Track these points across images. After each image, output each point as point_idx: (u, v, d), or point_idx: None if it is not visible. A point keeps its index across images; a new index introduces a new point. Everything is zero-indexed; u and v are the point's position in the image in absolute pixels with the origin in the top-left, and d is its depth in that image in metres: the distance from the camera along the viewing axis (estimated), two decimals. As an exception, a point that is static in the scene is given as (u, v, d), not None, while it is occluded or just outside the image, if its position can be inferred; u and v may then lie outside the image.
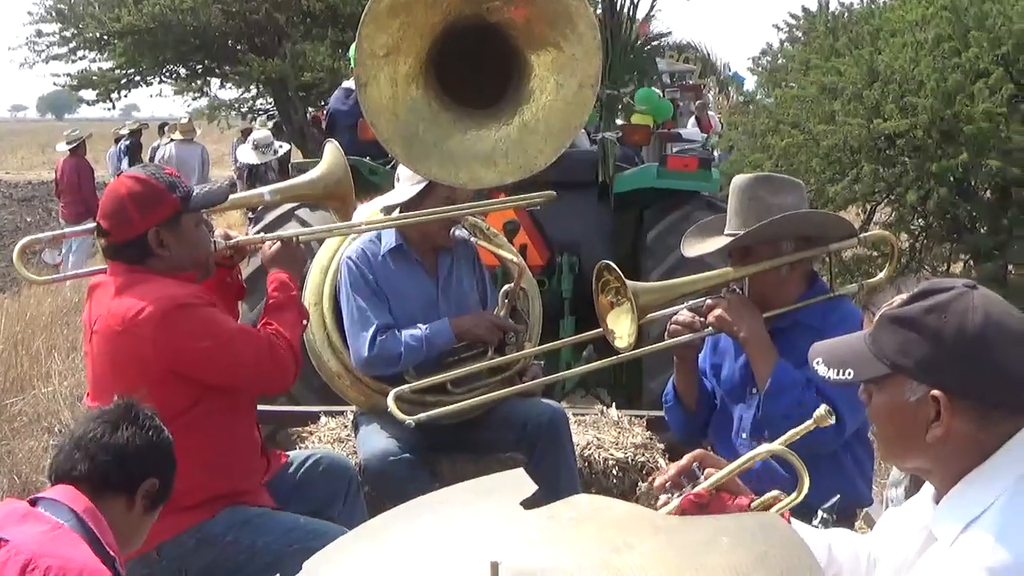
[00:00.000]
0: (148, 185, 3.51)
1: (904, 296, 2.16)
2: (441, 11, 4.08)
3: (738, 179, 3.74)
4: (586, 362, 6.31)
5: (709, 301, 3.61)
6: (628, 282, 3.53)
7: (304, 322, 3.84)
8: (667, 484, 2.57)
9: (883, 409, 2.14)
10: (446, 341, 4.15)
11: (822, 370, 2.20)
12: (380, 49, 4.07)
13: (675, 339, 3.62)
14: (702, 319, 3.58)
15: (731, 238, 3.58)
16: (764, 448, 2.60)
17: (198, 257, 3.58)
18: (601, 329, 3.67)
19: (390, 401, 3.69)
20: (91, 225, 3.68)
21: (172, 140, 18.25)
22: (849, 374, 2.15)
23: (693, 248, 3.73)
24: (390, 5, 4.03)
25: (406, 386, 3.95)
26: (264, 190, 4.40)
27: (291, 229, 4.75)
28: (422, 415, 3.66)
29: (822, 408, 2.33)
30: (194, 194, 3.62)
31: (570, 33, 4.13)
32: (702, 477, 2.58)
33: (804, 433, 2.56)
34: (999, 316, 2.05)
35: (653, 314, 3.63)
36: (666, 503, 2.52)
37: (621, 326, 3.58)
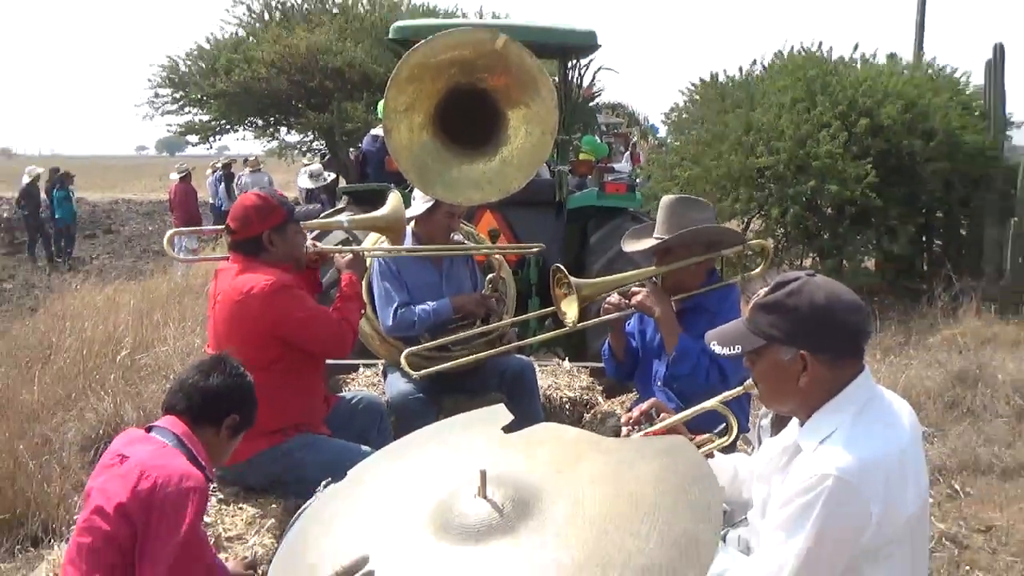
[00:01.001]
0: (266, 201, 3.56)
1: (765, 288, 2.21)
2: (445, 80, 4.07)
3: (665, 198, 3.75)
4: (547, 331, 6.32)
5: (634, 288, 3.64)
6: (573, 280, 3.59)
7: (361, 310, 3.85)
8: (631, 421, 2.63)
9: (765, 370, 2.19)
10: (447, 313, 4.15)
11: (717, 349, 2.24)
12: (401, 106, 4.05)
13: (606, 316, 3.66)
14: (626, 301, 3.61)
15: (658, 240, 3.60)
16: (708, 403, 2.65)
17: (295, 255, 3.59)
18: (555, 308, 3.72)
19: (402, 359, 3.77)
20: (221, 227, 3.71)
21: (245, 172, 18.25)
22: (737, 349, 2.20)
23: (629, 246, 3.78)
24: (407, 76, 4.01)
25: (418, 347, 3.99)
26: (342, 218, 4.46)
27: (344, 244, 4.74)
28: (425, 371, 3.77)
29: (750, 380, 2.33)
30: (295, 211, 3.69)
31: (535, 96, 4.12)
32: (657, 420, 2.62)
33: (735, 396, 2.62)
34: (835, 291, 2.13)
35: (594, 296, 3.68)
36: (627, 435, 2.56)
37: (570, 310, 3.62)
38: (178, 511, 2.37)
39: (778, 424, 2.45)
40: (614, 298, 3.66)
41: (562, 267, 3.69)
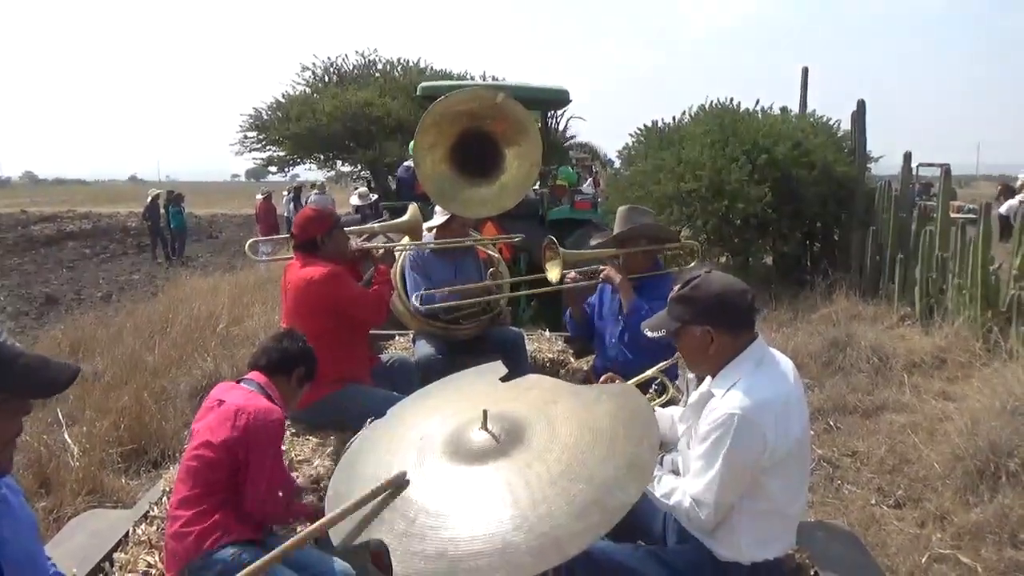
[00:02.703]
0: (318, 212, 3.61)
1: (677, 285, 2.22)
2: (459, 125, 4.06)
3: (620, 208, 3.88)
4: (532, 310, 6.36)
5: (602, 266, 3.72)
6: (561, 248, 3.77)
7: (391, 291, 3.83)
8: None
9: (685, 345, 2.20)
10: (458, 296, 4.14)
11: (649, 333, 2.27)
12: (426, 145, 4.04)
13: (567, 285, 3.74)
14: (582, 278, 3.70)
15: (616, 234, 3.72)
16: (650, 372, 2.71)
17: (342, 252, 3.57)
18: (537, 275, 3.92)
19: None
20: (285, 235, 3.70)
21: (312, 193, 18.20)
22: (663, 332, 2.22)
23: (595, 240, 3.96)
24: (431, 123, 4.00)
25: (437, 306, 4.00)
26: (375, 224, 4.50)
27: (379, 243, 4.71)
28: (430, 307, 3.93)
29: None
30: (340, 219, 3.69)
31: (526, 137, 4.11)
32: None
33: (667, 365, 2.66)
34: (726, 281, 2.15)
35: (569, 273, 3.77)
36: None
37: (553, 272, 3.79)
38: (267, 435, 2.38)
39: (700, 378, 2.46)
40: (572, 275, 3.73)
41: (554, 238, 3.83)
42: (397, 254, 4.15)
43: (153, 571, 2.45)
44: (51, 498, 4.04)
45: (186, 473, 2.40)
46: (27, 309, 11.02)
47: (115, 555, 2.53)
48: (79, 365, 1.32)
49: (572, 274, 3.74)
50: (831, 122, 11.25)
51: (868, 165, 10.77)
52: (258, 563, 1.51)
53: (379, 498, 1.57)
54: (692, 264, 4.14)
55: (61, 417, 5.07)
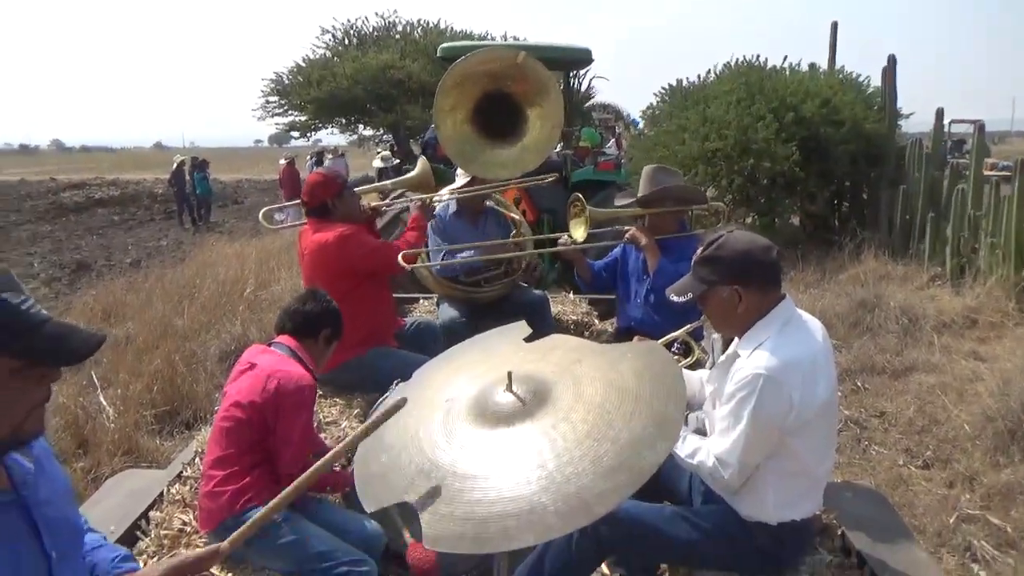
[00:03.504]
0: (325, 177, 3.56)
1: (700, 249, 2.19)
2: (480, 87, 4.00)
3: (646, 167, 3.79)
4: (557, 272, 6.34)
5: (628, 227, 3.70)
6: (588, 206, 3.72)
7: (422, 238, 3.81)
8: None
9: (712, 306, 2.17)
10: (481, 254, 4.09)
11: (675, 298, 2.24)
12: (447, 107, 3.99)
13: (562, 248, 3.71)
14: (574, 242, 3.68)
15: (641, 196, 3.64)
16: (677, 333, 2.68)
17: (353, 213, 3.56)
18: (563, 235, 3.79)
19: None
20: (298, 201, 3.68)
21: (329, 158, 18.17)
22: (689, 296, 2.19)
23: (620, 201, 3.85)
24: (451, 85, 3.95)
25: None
26: (388, 182, 4.45)
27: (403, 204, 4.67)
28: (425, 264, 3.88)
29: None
30: (347, 181, 3.65)
31: (547, 98, 4.04)
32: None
33: (693, 327, 2.67)
34: (750, 239, 2.13)
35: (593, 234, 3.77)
36: None
37: (577, 231, 3.73)
38: (298, 401, 2.38)
39: (728, 340, 2.44)
40: (564, 240, 3.71)
41: (580, 196, 3.78)
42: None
43: (188, 528, 2.50)
44: (88, 459, 4.15)
45: (219, 433, 2.43)
46: (60, 275, 11.22)
47: (150, 514, 2.59)
48: (104, 333, 1.32)
49: (563, 239, 3.71)
50: (861, 78, 11.01)
51: (899, 122, 10.55)
52: (272, 503, 1.55)
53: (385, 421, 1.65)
54: (718, 225, 4.09)
55: (96, 380, 5.17)
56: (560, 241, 3.75)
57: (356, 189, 3.75)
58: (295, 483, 1.59)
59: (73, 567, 1.43)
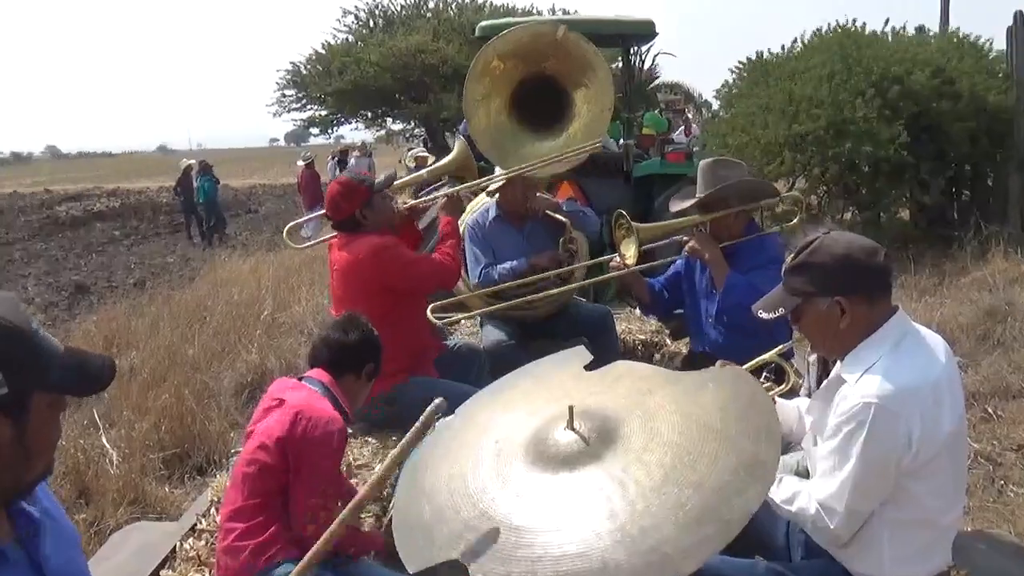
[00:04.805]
0: (348, 184, 3.57)
1: (790, 255, 2.17)
2: (517, 70, 4.06)
3: (702, 162, 3.72)
4: (618, 283, 6.29)
5: (685, 237, 3.63)
6: (633, 223, 3.61)
7: (461, 244, 3.84)
8: None
9: (809, 323, 2.15)
10: (523, 269, 4.10)
11: (764, 315, 2.22)
12: (478, 96, 4.05)
13: (614, 273, 3.70)
14: (625, 264, 3.62)
15: (699, 198, 3.56)
16: (766, 356, 2.66)
17: (388, 219, 3.59)
18: (613, 256, 3.76)
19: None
20: (323, 211, 3.73)
21: (355, 156, 18.40)
22: (780, 311, 2.17)
23: (676, 206, 3.74)
24: (482, 69, 4.00)
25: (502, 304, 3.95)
26: (422, 171, 4.41)
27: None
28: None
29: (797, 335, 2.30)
30: (374, 183, 3.65)
31: (593, 76, 4.06)
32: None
33: (785, 348, 2.64)
34: (850, 240, 2.11)
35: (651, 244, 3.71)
36: None
37: (628, 251, 3.64)
38: (325, 446, 2.42)
39: (830, 362, 2.40)
40: (615, 262, 3.68)
41: (623, 212, 3.70)
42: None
43: (204, 590, 2.55)
44: (91, 509, 4.26)
45: (241, 480, 2.47)
46: (56, 299, 11.61)
47: (162, 572, 2.65)
48: (110, 357, 1.40)
49: (614, 262, 3.70)
50: (980, 41, 10.77)
51: (1028, 92, 10.27)
52: (304, 560, 1.57)
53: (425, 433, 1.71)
54: (795, 220, 4.01)
55: (98, 419, 5.32)
56: (611, 264, 3.73)
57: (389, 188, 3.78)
58: (326, 534, 1.61)
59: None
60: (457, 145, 4.15)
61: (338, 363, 2.69)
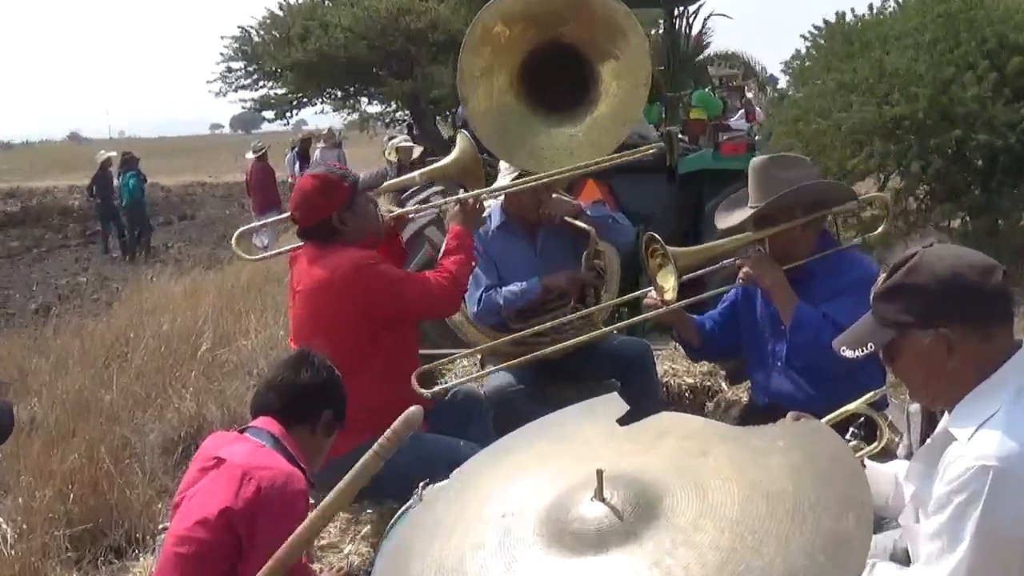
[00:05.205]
0: (327, 179, 3.56)
1: (882, 276, 2.17)
2: (526, 38, 4.07)
3: (754, 160, 3.65)
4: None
5: (739, 261, 3.57)
6: (669, 248, 3.50)
7: (473, 263, 3.83)
8: None
9: (907, 362, 2.15)
10: (536, 293, 4.13)
11: (849, 354, 2.22)
12: (476, 71, 4.07)
13: (649, 313, 3.71)
14: (664, 299, 3.56)
15: (752, 210, 3.50)
16: (851, 406, 2.63)
17: (371, 228, 3.61)
18: (648, 290, 3.71)
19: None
20: (286, 215, 3.74)
21: (319, 147, 18.48)
22: (870, 347, 2.17)
23: (723, 221, 3.66)
24: (482, 36, 4.01)
25: (506, 336, 4.00)
26: (415, 174, 4.37)
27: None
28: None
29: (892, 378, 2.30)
30: (359, 180, 3.65)
31: (624, 44, 4.08)
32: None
33: (877, 396, 2.64)
34: (959, 255, 2.09)
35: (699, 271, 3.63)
36: None
37: (667, 283, 3.54)
38: (286, 514, 2.37)
39: (937, 413, 2.39)
40: (650, 299, 3.66)
41: (655, 235, 3.60)
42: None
43: None
44: (-23, 602, 4.25)
45: (172, 565, 2.45)
46: (-66, 331, 11.65)
47: None
48: (8, 400, 1.39)
49: (648, 299, 3.68)
50: None
51: None
52: None
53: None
54: (880, 228, 3.98)
55: (-12, 485, 5.32)
56: (645, 302, 3.71)
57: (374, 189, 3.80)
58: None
59: None
60: (460, 143, 4.15)
61: (290, 410, 2.69)
